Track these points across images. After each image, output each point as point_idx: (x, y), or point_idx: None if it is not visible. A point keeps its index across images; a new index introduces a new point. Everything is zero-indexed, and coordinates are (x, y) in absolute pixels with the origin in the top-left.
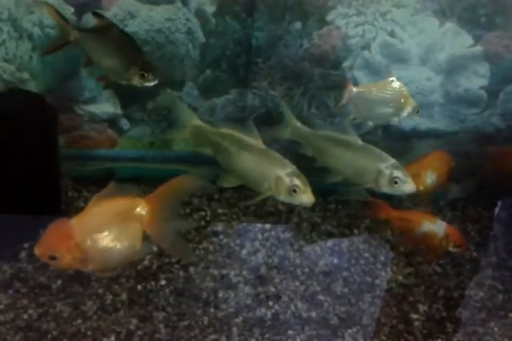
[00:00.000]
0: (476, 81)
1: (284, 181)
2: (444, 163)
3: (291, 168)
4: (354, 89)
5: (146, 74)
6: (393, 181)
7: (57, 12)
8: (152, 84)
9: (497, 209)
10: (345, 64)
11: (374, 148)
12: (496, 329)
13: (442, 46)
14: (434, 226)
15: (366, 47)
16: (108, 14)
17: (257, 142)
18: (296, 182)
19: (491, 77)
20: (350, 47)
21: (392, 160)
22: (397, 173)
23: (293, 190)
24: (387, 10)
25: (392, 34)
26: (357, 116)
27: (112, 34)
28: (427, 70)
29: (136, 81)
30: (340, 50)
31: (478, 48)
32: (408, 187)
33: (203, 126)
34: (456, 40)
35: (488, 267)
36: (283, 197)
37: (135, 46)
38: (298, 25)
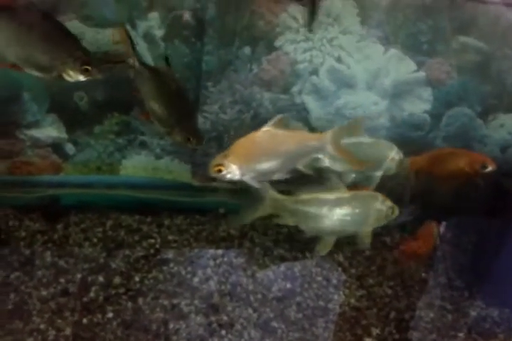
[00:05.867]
0: (419, 105)
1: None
2: None
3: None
4: None
5: (191, 140)
6: None
7: (130, 36)
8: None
9: (442, 229)
10: (294, 89)
11: None
12: None
13: (387, 72)
14: None
15: (314, 72)
16: None
17: (339, 188)
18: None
19: (433, 102)
20: (298, 72)
21: None
22: None
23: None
24: (334, 36)
25: (339, 60)
26: None
27: (167, 85)
28: (373, 95)
29: (178, 140)
30: (288, 75)
31: (421, 74)
32: None
33: (280, 199)
34: (400, 66)
35: (437, 287)
36: None
37: (187, 109)
38: (247, 50)
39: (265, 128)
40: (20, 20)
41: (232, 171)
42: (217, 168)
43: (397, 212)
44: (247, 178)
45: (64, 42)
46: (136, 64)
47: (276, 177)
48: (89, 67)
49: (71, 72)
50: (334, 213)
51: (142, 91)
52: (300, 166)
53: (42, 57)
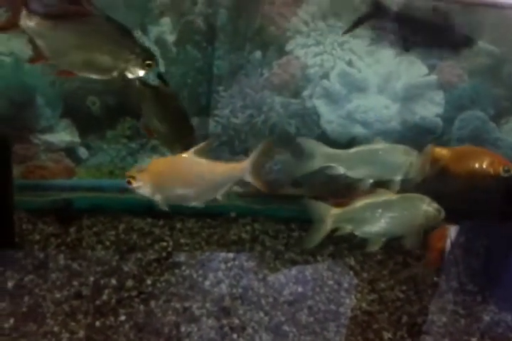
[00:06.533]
0: (431, 109)
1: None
2: None
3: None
4: None
5: None
6: None
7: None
8: None
9: (455, 234)
10: (305, 93)
11: None
12: None
13: (398, 75)
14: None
15: (325, 76)
16: None
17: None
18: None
19: (445, 105)
20: (309, 76)
21: None
22: None
23: None
24: (344, 40)
25: (350, 63)
26: None
27: (170, 105)
28: (385, 99)
29: None
30: (299, 79)
31: (433, 77)
32: None
33: (339, 213)
34: (411, 69)
35: (449, 292)
36: None
37: (187, 125)
38: (258, 54)
39: (186, 154)
40: (82, 27)
41: (141, 187)
42: (127, 179)
43: (443, 214)
44: (158, 198)
45: (123, 40)
46: (137, 83)
47: (194, 203)
48: (151, 62)
49: (134, 69)
50: (387, 215)
51: (143, 109)
52: (218, 196)
53: (103, 59)
